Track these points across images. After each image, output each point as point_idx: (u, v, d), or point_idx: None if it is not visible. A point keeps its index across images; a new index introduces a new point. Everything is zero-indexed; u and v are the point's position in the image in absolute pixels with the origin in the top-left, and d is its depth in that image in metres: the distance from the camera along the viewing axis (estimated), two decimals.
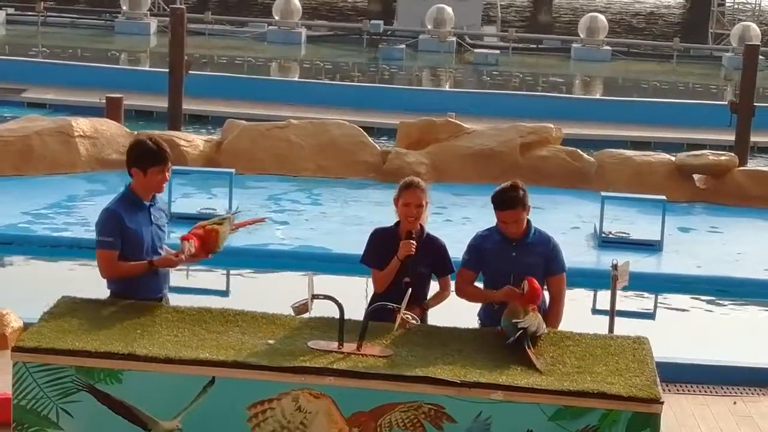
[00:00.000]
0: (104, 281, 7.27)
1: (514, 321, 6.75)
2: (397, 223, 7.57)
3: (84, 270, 12.29)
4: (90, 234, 12.85)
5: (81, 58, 28.25)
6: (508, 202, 7.31)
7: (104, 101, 18.21)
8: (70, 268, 12.76)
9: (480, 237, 7.51)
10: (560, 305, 7.44)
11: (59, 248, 13.03)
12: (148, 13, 33.89)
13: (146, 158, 7.18)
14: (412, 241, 7.41)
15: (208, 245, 7.30)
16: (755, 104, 18.42)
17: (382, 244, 7.49)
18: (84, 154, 16.26)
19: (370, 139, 17.21)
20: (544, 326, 6.89)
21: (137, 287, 7.20)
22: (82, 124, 16.51)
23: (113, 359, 6.36)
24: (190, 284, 11.63)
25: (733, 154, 16.90)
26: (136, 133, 16.79)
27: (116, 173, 15.98)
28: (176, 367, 6.34)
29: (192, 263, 7.82)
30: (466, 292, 7.46)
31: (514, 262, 7.28)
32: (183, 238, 7.24)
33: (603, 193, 14.44)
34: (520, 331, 6.67)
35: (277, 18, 33.91)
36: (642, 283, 12.01)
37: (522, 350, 6.63)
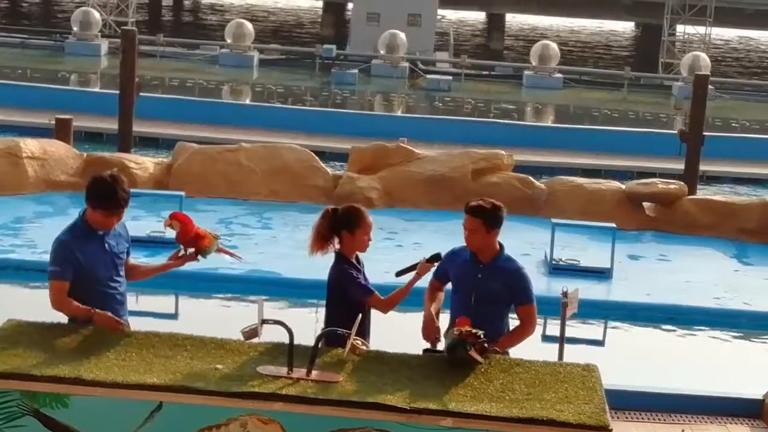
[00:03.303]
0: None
1: (455, 334, 6.79)
2: (342, 254, 7.50)
3: (31, 292, 12.16)
4: (37, 256, 12.82)
5: (30, 79, 28.09)
6: (471, 209, 7.40)
7: (53, 122, 18.08)
8: (17, 291, 12.62)
9: (454, 251, 7.57)
10: (524, 329, 7.43)
11: (5, 270, 12.88)
12: (99, 34, 33.78)
13: (99, 200, 7.12)
14: (431, 264, 7.45)
15: (203, 242, 7.34)
16: (704, 133, 18.58)
17: (358, 275, 7.46)
18: (32, 175, 16.13)
19: (321, 163, 17.19)
20: (483, 332, 6.88)
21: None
22: (30, 145, 16.38)
23: (59, 383, 6.28)
24: (138, 307, 11.53)
25: (682, 183, 17.01)
26: (85, 155, 16.73)
27: (65, 195, 15.88)
28: (123, 392, 6.27)
29: (157, 275, 7.74)
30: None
31: (477, 284, 7.32)
32: (172, 217, 7.30)
33: (553, 220, 14.49)
34: (464, 331, 6.74)
35: (229, 41, 33.92)
36: (591, 310, 12.04)
37: (466, 355, 6.71)
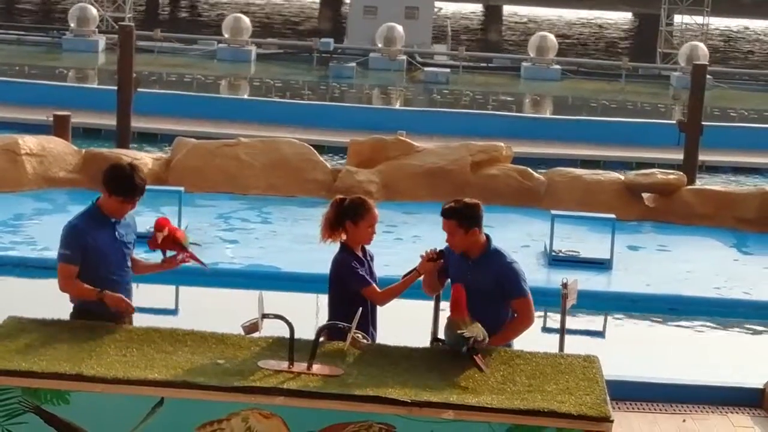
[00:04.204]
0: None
1: (459, 332, 6.75)
2: (346, 245, 7.53)
3: (31, 289, 12.17)
4: (36, 253, 12.82)
5: (28, 75, 28.08)
6: (444, 211, 7.39)
7: (52, 119, 18.07)
8: (17, 287, 12.62)
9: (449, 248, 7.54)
10: (519, 323, 7.35)
11: (5, 267, 12.87)
12: (97, 30, 33.75)
13: (116, 187, 7.21)
14: (432, 262, 7.43)
15: (179, 235, 7.47)
16: (703, 123, 18.58)
17: (358, 266, 7.46)
18: (31, 172, 16.12)
19: (320, 157, 17.19)
20: (486, 334, 6.86)
21: (101, 304, 7.15)
22: (29, 142, 16.37)
23: (60, 380, 6.28)
24: (138, 303, 11.54)
25: (681, 173, 17.01)
26: (83, 151, 16.72)
27: (64, 191, 15.89)
28: (124, 388, 6.27)
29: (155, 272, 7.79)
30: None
31: (468, 281, 7.22)
32: (158, 225, 7.36)
33: (553, 212, 14.49)
34: (471, 339, 6.67)
35: (226, 36, 33.89)
36: (592, 301, 12.05)
37: (470, 358, 6.66)
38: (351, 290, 7.39)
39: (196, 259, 7.65)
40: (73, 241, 7.16)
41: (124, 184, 7.20)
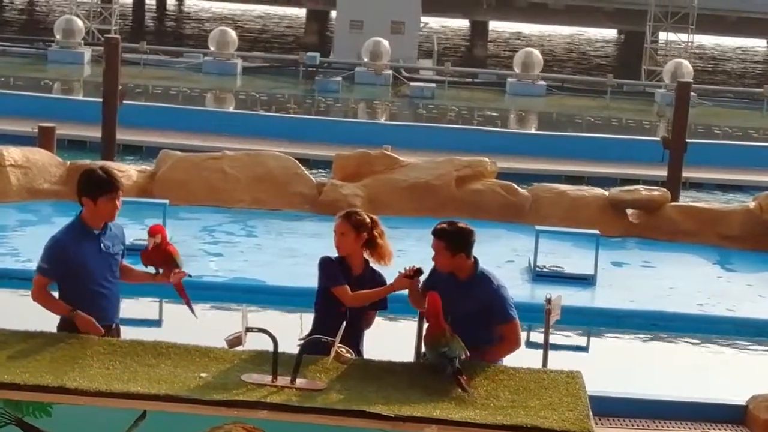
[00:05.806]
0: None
1: (441, 351, 6.75)
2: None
3: (14, 301, 12.11)
4: (20, 264, 12.77)
5: (13, 87, 28.02)
6: (435, 230, 7.37)
7: (36, 130, 18.04)
8: (0, 299, 12.57)
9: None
10: (504, 347, 7.32)
11: None
12: (82, 42, 33.73)
13: (97, 187, 7.19)
14: (409, 279, 7.43)
15: (172, 249, 7.48)
16: (687, 140, 18.63)
17: (338, 268, 7.52)
18: (15, 183, 16.08)
19: (305, 171, 17.18)
20: (466, 350, 6.86)
21: (86, 313, 7.13)
22: (13, 154, 16.32)
23: (43, 392, 6.27)
24: (122, 315, 11.50)
25: (665, 190, 17.04)
26: (68, 163, 16.69)
27: (48, 203, 15.84)
28: (107, 401, 6.26)
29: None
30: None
31: (454, 303, 7.16)
32: (151, 231, 7.39)
33: (537, 227, 14.49)
34: (455, 360, 6.67)
35: (212, 49, 33.91)
36: (575, 317, 12.04)
37: (454, 378, 6.65)
38: (324, 288, 7.44)
39: (189, 304, 7.67)
40: (53, 256, 7.16)
41: (104, 181, 7.18)
